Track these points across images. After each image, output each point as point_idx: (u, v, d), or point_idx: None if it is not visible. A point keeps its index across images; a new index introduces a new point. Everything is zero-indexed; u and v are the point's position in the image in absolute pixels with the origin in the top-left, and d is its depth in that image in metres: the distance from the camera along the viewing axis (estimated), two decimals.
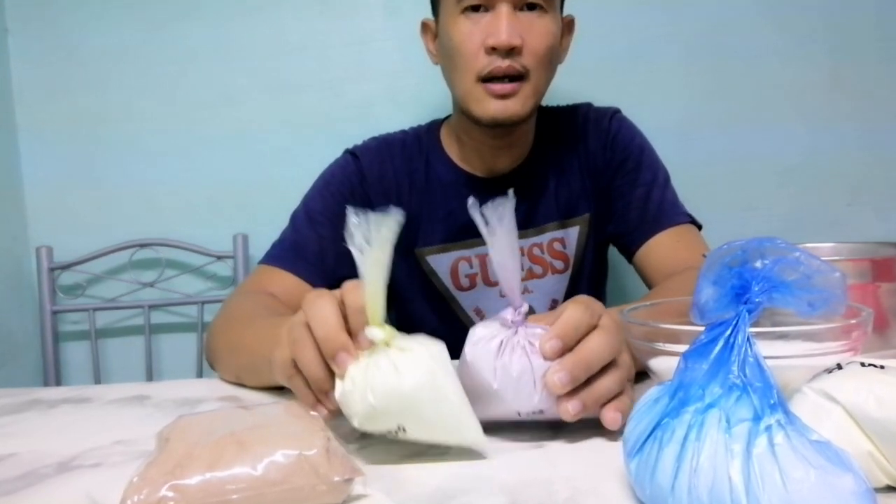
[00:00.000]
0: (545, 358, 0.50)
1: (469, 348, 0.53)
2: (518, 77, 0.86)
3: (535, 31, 0.86)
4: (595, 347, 0.51)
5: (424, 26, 0.98)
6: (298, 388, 0.53)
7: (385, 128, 1.09)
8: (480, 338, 0.53)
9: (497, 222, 0.50)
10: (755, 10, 1.37)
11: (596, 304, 0.55)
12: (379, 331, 0.48)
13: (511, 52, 0.84)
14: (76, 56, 1.35)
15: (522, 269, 1.01)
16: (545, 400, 0.51)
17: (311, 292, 0.53)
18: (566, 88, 1.20)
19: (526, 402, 0.51)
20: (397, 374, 0.47)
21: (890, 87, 1.40)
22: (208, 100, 1.36)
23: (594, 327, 0.52)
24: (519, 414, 0.52)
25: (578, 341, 0.51)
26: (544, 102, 1.05)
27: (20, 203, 1.36)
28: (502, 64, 0.85)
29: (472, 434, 0.49)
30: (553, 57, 0.90)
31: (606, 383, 0.52)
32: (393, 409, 0.47)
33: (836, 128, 1.39)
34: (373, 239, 0.46)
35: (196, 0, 1.35)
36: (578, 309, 0.52)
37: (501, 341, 0.52)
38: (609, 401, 0.52)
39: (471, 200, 0.50)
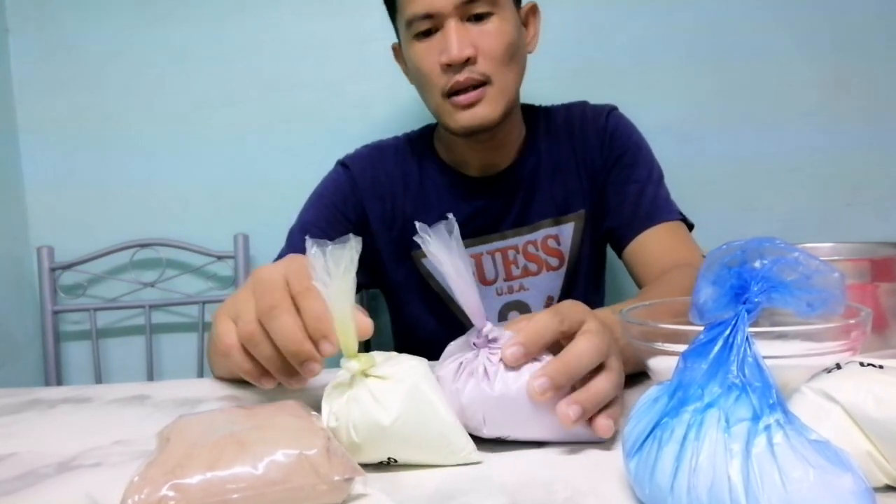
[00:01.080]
0: (505, 364, 0.49)
1: (438, 365, 0.52)
2: (480, 84, 0.87)
3: (485, 35, 0.87)
4: (578, 352, 0.48)
5: (394, 50, 1.00)
6: (240, 364, 0.51)
7: (385, 128, 1.09)
8: (447, 356, 0.52)
9: (445, 248, 0.48)
10: (755, 10, 1.37)
11: (576, 308, 0.52)
12: (354, 362, 0.47)
13: (466, 63, 0.85)
14: (76, 56, 1.35)
15: (518, 267, 1.01)
16: (497, 429, 0.50)
17: (266, 296, 0.49)
18: (566, 88, 1.20)
19: (476, 428, 0.50)
20: (378, 405, 0.46)
21: (890, 87, 1.40)
22: (208, 100, 1.36)
23: (565, 334, 0.50)
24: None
25: (548, 348, 0.50)
26: (542, 102, 1.05)
27: (21, 203, 1.36)
28: (460, 77, 0.86)
29: (463, 453, 0.48)
30: (514, 53, 0.90)
31: (602, 384, 0.49)
32: (378, 442, 0.47)
33: (836, 128, 1.39)
34: (333, 270, 0.45)
35: (196, 0, 1.35)
36: (547, 315, 0.50)
37: (461, 363, 0.51)
38: (604, 407, 0.50)
39: (419, 225, 0.48)
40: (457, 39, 0.84)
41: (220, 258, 1.37)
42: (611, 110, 1.04)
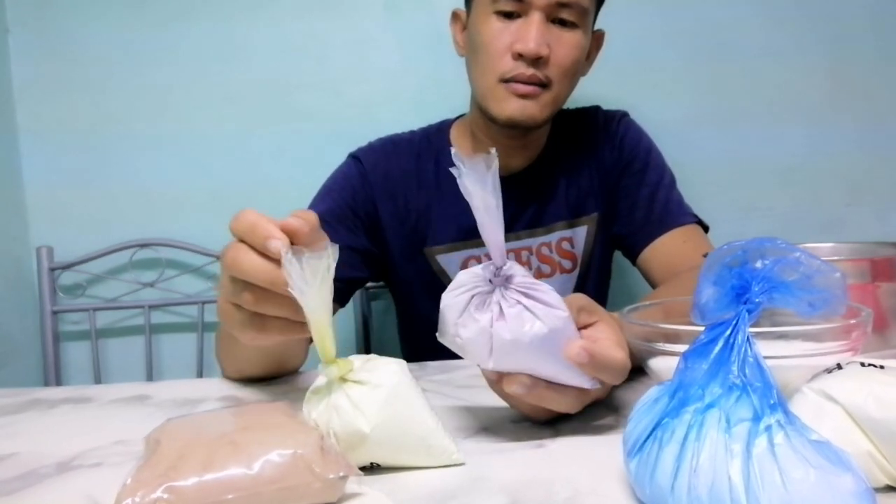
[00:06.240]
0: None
1: (445, 294, 0.51)
2: (540, 85, 0.87)
3: (563, 43, 0.87)
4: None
5: (455, 16, 0.98)
6: (235, 317, 0.51)
7: (385, 128, 1.09)
8: (459, 285, 0.51)
9: (480, 182, 0.46)
10: (755, 10, 1.37)
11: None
12: (333, 368, 0.47)
13: (537, 60, 0.85)
14: (77, 56, 1.35)
15: (531, 269, 1.00)
16: (501, 365, 0.49)
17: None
18: None
19: (480, 361, 0.50)
20: (357, 412, 0.46)
21: (889, 87, 1.40)
22: (208, 100, 1.36)
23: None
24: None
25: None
26: None
27: (21, 203, 1.36)
28: (526, 71, 0.86)
29: (445, 455, 0.48)
30: (577, 70, 0.91)
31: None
32: (360, 449, 0.47)
33: (835, 128, 1.39)
34: (310, 279, 0.45)
35: (196, 0, 1.35)
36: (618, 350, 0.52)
37: (473, 296, 0.50)
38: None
39: (454, 150, 0.47)
40: (538, 34, 0.84)
41: (219, 258, 1.37)
42: (622, 116, 1.05)
